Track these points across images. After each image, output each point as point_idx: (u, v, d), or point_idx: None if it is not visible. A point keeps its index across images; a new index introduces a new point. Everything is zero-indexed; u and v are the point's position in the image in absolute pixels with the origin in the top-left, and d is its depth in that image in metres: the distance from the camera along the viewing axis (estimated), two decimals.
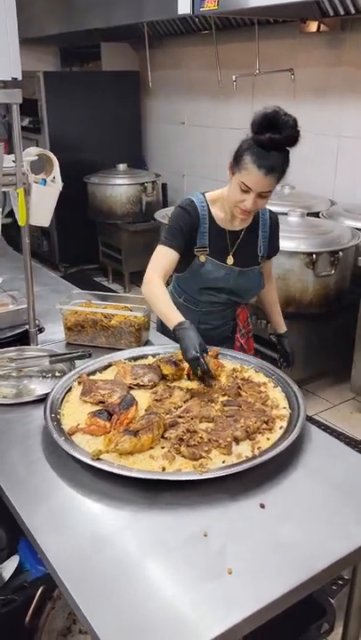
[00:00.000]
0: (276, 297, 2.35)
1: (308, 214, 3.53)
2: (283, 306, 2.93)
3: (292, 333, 3.42)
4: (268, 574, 1.13)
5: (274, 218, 2.12)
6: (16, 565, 1.76)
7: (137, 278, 5.45)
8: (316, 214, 3.69)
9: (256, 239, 2.07)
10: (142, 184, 5.10)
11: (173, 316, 1.76)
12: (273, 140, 1.73)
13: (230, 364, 1.85)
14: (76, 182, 4.86)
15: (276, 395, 1.68)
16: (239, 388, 1.69)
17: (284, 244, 2.35)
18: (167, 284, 1.97)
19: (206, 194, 2.00)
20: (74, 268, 5.75)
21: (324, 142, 4.06)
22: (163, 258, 1.91)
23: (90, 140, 5.41)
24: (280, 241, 2.19)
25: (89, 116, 5.41)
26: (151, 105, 5.73)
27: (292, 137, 1.74)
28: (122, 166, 5.20)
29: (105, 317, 2.05)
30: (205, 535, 1.21)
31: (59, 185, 1.96)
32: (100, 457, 1.38)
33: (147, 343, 2.08)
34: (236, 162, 1.82)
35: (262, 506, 1.30)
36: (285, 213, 3.33)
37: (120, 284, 5.45)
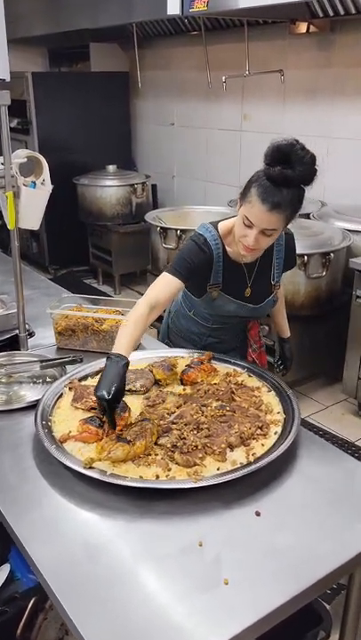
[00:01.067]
0: (284, 303, 2.21)
1: (299, 216, 3.51)
2: None
3: None
4: (266, 583, 1.11)
5: (289, 241, 1.97)
6: (7, 575, 1.73)
7: (127, 280, 5.43)
8: (307, 216, 3.69)
9: (270, 268, 1.94)
10: (132, 185, 5.07)
11: (120, 345, 1.56)
12: (283, 175, 1.56)
13: (224, 368, 1.84)
14: (65, 184, 4.84)
15: (270, 399, 1.66)
16: (233, 392, 1.67)
17: None
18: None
19: (219, 225, 1.84)
20: (64, 270, 5.70)
21: (314, 144, 3.98)
22: (164, 286, 1.73)
23: (79, 141, 5.38)
24: None
25: (78, 116, 5.37)
26: (141, 106, 5.70)
27: (307, 175, 1.58)
28: (111, 167, 5.17)
29: (96, 321, 2.03)
30: (200, 545, 1.19)
31: (48, 187, 1.93)
32: (93, 465, 1.36)
33: (138, 347, 2.06)
34: (244, 193, 1.66)
35: (258, 514, 1.28)
36: None
37: (110, 286, 5.42)
